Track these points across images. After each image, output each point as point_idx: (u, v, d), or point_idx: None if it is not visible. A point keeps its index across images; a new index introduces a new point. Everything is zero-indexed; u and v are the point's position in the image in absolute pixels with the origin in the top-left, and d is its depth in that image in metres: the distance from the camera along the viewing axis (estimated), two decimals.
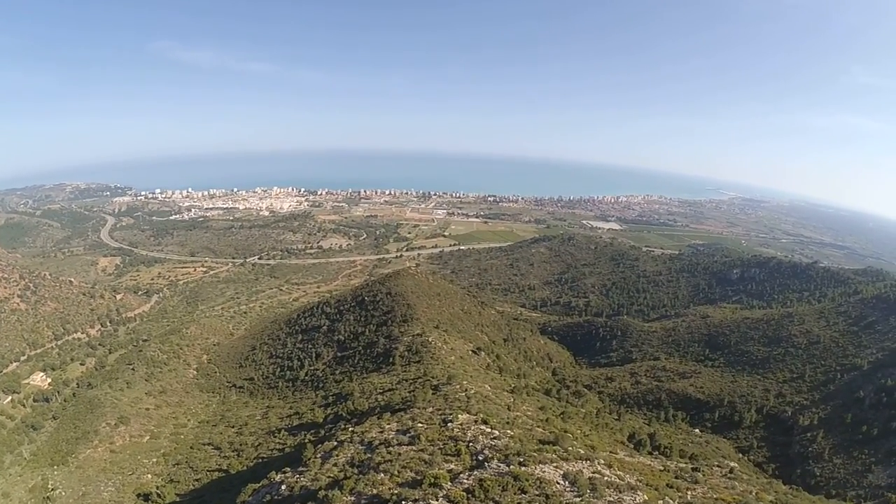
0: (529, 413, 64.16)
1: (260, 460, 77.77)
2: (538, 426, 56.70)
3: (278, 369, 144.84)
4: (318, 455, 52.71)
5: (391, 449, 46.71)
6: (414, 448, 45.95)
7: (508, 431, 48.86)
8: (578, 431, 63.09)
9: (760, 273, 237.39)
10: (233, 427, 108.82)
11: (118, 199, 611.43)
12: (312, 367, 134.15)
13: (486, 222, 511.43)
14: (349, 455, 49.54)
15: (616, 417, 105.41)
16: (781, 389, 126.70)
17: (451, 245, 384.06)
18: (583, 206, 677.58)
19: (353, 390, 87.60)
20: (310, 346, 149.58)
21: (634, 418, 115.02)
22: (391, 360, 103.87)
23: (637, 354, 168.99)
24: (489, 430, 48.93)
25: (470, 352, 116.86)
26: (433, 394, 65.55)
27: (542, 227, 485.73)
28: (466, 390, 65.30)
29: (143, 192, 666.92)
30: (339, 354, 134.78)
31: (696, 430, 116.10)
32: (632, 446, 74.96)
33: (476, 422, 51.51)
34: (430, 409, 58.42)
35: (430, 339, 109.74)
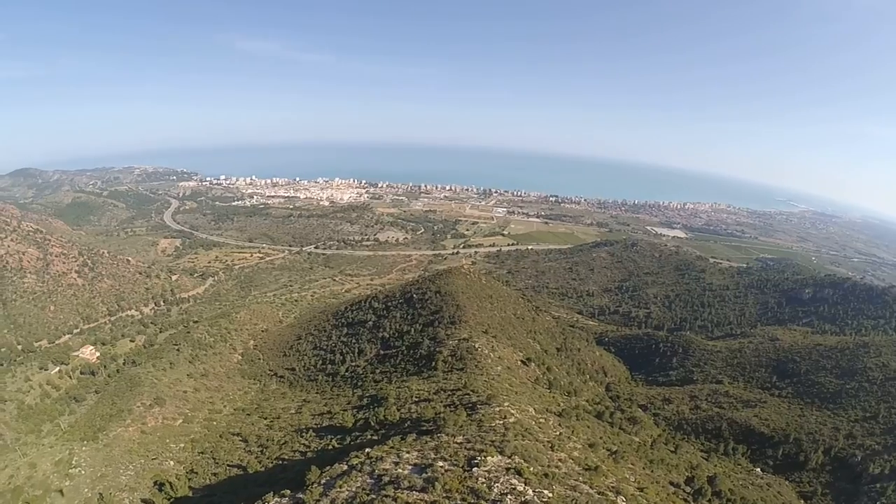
0: (576, 453, 53.88)
1: (280, 462, 71.76)
2: (583, 475, 46.71)
3: (320, 362, 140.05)
4: (322, 481, 45.22)
5: (399, 494, 38.54)
6: (425, 499, 38.01)
7: (545, 492, 39.21)
8: (631, 477, 53.28)
9: (834, 294, 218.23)
10: (265, 419, 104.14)
11: (183, 184, 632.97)
12: (353, 364, 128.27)
13: (546, 223, 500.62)
14: (353, 489, 41.48)
15: (672, 449, 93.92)
16: (852, 429, 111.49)
17: (509, 244, 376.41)
18: (647, 210, 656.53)
19: (389, 394, 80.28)
20: (353, 340, 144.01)
21: (692, 450, 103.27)
22: (433, 364, 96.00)
23: (698, 375, 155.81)
24: (521, 485, 39.35)
25: (519, 362, 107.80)
26: (468, 416, 56.22)
27: (605, 231, 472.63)
28: (505, 417, 55.34)
29: (208, 178, 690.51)
30: (381, 352, 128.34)
31: (758, 470, 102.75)
32: (690, 492, 64.55)
33: (508, 469, 42.13)
34: (460, 440, 49.47)
35: (476, 346, 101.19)
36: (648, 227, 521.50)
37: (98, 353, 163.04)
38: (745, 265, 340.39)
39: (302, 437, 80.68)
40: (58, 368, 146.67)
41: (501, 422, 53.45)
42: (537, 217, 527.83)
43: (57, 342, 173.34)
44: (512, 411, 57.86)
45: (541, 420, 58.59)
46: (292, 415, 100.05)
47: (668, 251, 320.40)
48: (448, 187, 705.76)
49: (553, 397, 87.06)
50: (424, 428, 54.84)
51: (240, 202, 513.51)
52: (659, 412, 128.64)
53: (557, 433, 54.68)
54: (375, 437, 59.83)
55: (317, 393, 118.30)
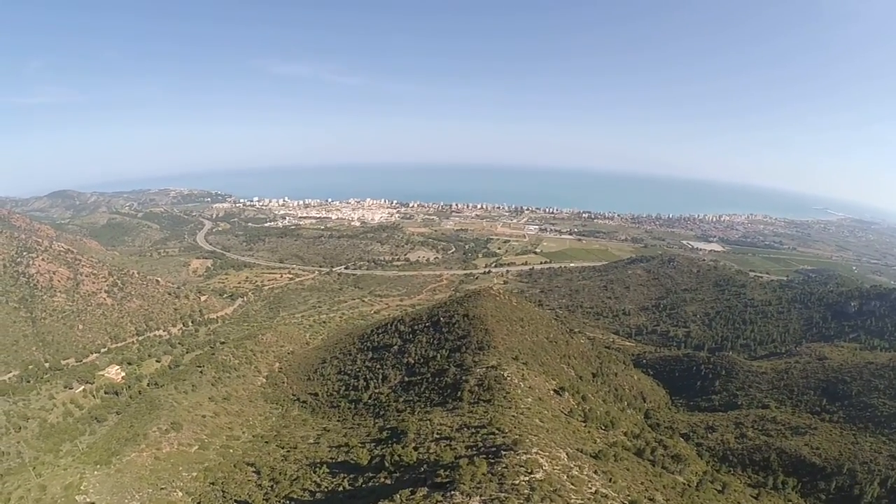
0: None
1: (288, 502, 66.10)
2: None
3: (343, 387, 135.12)
4: None
5: None
6: None
7: None
8: None
9: (881, 307, 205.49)
10: (283, 448, 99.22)
11: (217, 205, 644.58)
12: (377, 391, 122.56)
13: (579, 239, 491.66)
14: None
15: (720, 489, 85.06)
16: None
17: (541, 262, 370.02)
18: (682, 224, 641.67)
19: (409, 428, 74.04)
20: (378, 365, 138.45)
21: (740, 487, 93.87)
22: (459, 394, 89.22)
23: (743, 399, 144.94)
24: None
25: (551, 391, 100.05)
26: (488, 467, 49.30)
27: (640, 247, 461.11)
28: (531, 472, 47.83)
29: (241, 200, 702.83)
30: (406, 379, 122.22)
31: None
32: None
33: None
34: (476, 502, 43.23)
35: (505, 374, 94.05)
36: (684, 242, 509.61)
37: (123, 373, 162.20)
38: (785, 278, 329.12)
39: (315, 472, 74.95)
40: (82, 387, 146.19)
41: (527, 478, 46.15)
42: (570, 234, 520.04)
43: (84, 361, 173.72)
44: (541, 461, 50.37)
45: (573, 471, 51.24)
46: (310, 445, 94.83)
47: (706, 266, 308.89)
48: (479, 206, 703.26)
49: (589, 432, 79.47)
50: (439, 479, 48.35)
51: (272, 223, 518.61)
52: (702, 441, 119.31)
53: (593, 490, 47.25)
54: (388, 482, 53.90)
55: (338, 421, 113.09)
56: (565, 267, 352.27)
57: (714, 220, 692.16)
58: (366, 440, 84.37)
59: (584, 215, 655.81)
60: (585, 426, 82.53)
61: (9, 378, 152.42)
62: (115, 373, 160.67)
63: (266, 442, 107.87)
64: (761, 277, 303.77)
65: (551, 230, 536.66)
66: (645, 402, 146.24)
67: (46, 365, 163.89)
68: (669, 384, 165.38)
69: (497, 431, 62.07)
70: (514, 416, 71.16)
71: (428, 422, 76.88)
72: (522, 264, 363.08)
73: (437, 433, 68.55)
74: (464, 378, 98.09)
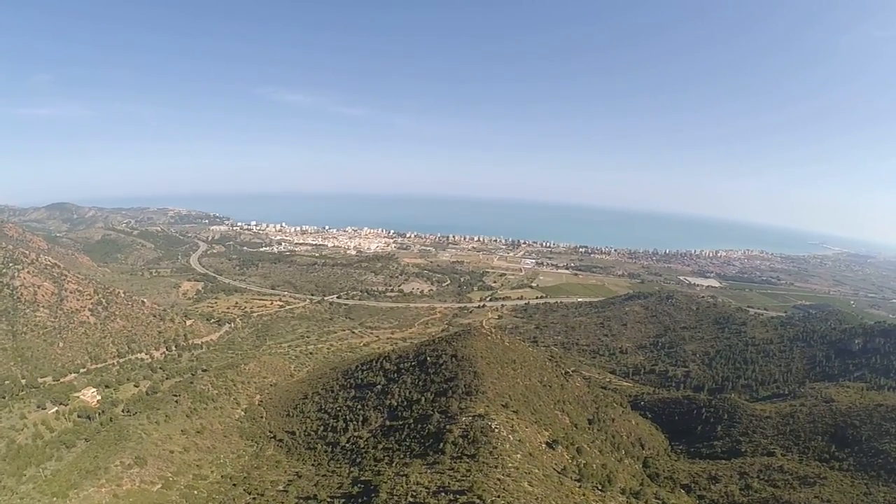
0: None
1: None
2: None
3: (322, 427, 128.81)
4: None
5: None
6: None
7: None
8: None
9: (886, 344, 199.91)
10: (250, 494, 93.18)
11: (214, 227, 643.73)
12: (356, 434, 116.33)
13: (576, 274, 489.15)
14: None
15: None
16: None
17: (537, 297, 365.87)
18: (679, 259, 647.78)
19: (382, 487, 68.31)
20: (359, 405, 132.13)
21: None
22: (441, 446, 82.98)
23: (746, 446, 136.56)
24: None
25: (543, 444, 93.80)
26: None
27: (637, 282, 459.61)
28: None
29: (239, 223, 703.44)
30: (387, 423, 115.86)
31: None
32: None
33: None
34: None
35: (493, 426, 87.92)
36: (681, 277, 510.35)
37: (98, 397, 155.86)
38: (784, 314, 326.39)
39: None
40: (55, 409, 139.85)
41: None
42: (567, 268, 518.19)
43: (62, 380, 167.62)
44: None
45: None
46: (278, 492, 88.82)
47: (705, 303, 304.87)
48: (476, 238, 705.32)
49: (584, 495, 73.42)
50: None
51: (267, 248, 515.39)
52: (704, 494, 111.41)
53: None
54: None
55: (313, 465, 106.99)
56: (561, 302, 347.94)
57: (711, 255, 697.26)
58: (336, 494, 78.46)
59: (580, 250, 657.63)
60: (580, 487, 76.44)
61: None
62: (90, 395, 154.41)
63: (234, 484, 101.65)
64: (761, 314, 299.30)
65: (548, 264, 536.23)
66: (644, 448, 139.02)
67: (23, 382, 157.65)
68: (669, 428, 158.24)
69: (478, 500, 56.53)
70: (499, 479, 65.20)
71: (404, 478, 70.91)
72: (518, 298, 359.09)
73: (412, 496, 62.72)
74: (447, 427, 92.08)
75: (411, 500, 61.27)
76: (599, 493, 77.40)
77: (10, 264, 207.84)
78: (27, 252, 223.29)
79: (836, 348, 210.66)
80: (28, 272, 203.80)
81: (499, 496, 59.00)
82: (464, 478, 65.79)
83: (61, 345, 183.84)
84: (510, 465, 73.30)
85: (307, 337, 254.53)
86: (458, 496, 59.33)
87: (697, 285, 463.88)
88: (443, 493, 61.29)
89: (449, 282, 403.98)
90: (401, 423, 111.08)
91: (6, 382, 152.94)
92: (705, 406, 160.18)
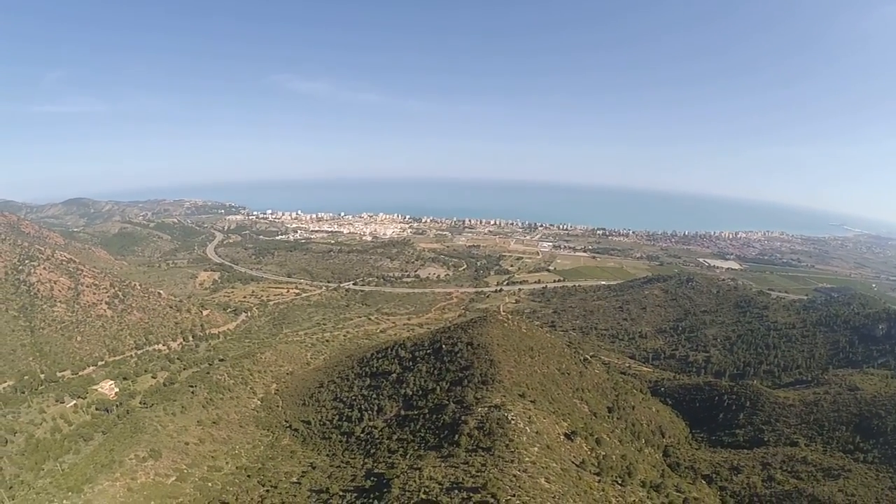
0: None
1: None
2: None
3: (337, 416, 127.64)
4: None
5: None
6: None
7: None
8: None
9: None
10: (263, 486, 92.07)
11: (230, 217, 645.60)
12: (371, 423, 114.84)
13: (594, 257, 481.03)
14: None
15: None
16: None
17: (555, 281, 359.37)
18: (698, 241, 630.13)
19: (394, 481, 66.15)
20: (374, 394, 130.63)
21: None
22: (456, 437, 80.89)
23: (769, 434, 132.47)
24: None
25: (562, 436, 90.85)
26: None
27: (655, 265, 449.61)
28: None
29: (255, 212, 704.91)
30: (402, 413, 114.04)
31: None
32: None
33: None
34: None
35: (509, 417, 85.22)
36: (700, 259, 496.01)
37: (117, 389, 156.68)
38: (805, 297, 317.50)
39: None
40: (73, 402, 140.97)
41: None
42: (584, 251, 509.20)
43: (80, 374, 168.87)
44: None
45: None
46: (292, 484, 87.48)
47: (726, 286, 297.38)
48: (493, 222, 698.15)
49: (603, 489, 70.49)
50: None
51: (283, 236, 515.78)
52: (726, 485, 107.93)
53: None
54: None
55: (328, 455, 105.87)
56: (579, 286, 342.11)
57: (730, 237, 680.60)
58: (348, 487, 76.68)
59: (598, 232, 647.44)
60: (599, 482, 73.49)
61: (3, 388, 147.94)
62: (108, 388, 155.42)
63: (248, 476, 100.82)
64: (783, 298, 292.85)
65: (565, 247, 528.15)
66: (664, 436, 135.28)
67: (42, 376, 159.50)
68: (689, 415, 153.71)
69: (492, 499, 53.93)
70: (515, 475, 62.35)
71: (417, 472, 68.67)
72: (535, 282, 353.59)
73: (424, 492, 60.23)
74: (463, 418, 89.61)
75: (423, 496, 58.91)
76: (619, 487, 74.45)
77: (27, 261, 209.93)
78: (42, 249, 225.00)
79: (859, 333, 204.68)
80: (44, 268, 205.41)
81: (514, 495, 56.21)
82: (478, 473, 63.16)
83: (79, 338, 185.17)
84: (527, 459, 70.48)
85: (323, 324, 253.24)
86: (471, 494, 56.66)
87: (717, 267, 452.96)
88: (456, 490, 58.71)
89: (465, 266, 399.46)
90: (416, 412, 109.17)
91: (25, 377, 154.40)
92: (727, 392, 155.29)
